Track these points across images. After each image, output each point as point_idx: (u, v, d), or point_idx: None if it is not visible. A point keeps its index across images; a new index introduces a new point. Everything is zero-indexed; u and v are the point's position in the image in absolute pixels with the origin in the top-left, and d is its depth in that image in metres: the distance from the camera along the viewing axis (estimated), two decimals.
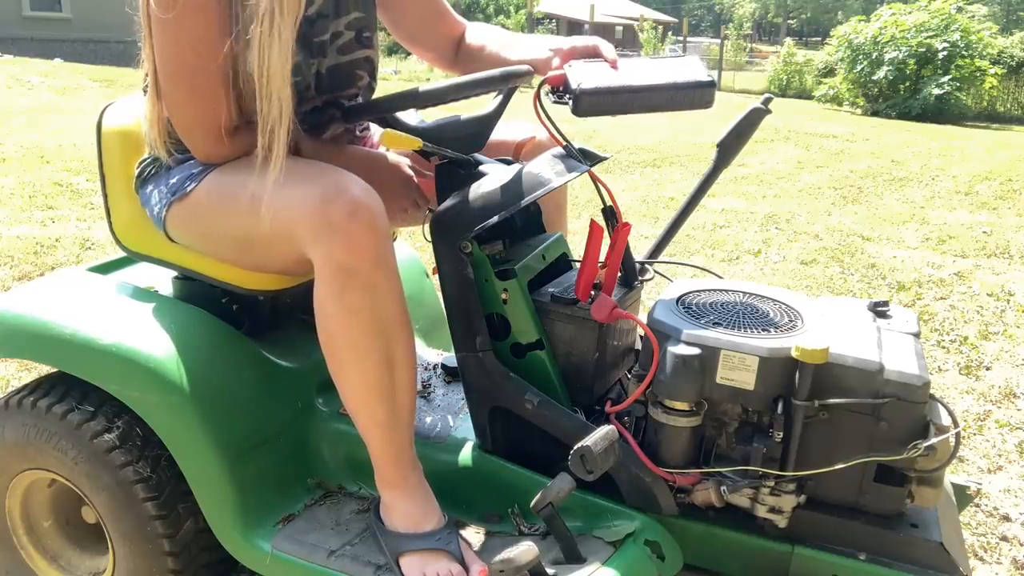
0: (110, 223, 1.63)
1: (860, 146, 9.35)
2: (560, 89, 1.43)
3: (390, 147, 1.37)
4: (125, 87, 10.25)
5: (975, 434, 2.53)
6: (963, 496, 1.57)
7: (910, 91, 14.44)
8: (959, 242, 4.93)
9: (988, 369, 3.04)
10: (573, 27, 35.92)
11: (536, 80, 1.50)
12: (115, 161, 1.59)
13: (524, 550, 1.19)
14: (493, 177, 1.40)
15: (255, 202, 1.33)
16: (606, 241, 1.42)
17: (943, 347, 3.23)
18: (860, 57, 14.92)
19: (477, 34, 1.72)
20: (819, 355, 1.20)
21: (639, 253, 1.68)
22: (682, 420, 1.29)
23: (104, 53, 15.56)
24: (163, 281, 1.71)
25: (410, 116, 1.48)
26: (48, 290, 1.59)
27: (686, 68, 1.45)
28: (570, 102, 1.40)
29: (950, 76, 13.98)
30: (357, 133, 1.67)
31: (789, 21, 62.18)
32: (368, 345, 1.31)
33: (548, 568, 1.25)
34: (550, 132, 1.47)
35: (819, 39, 42.09)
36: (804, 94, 18.31)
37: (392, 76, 17.01)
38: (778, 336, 1.29)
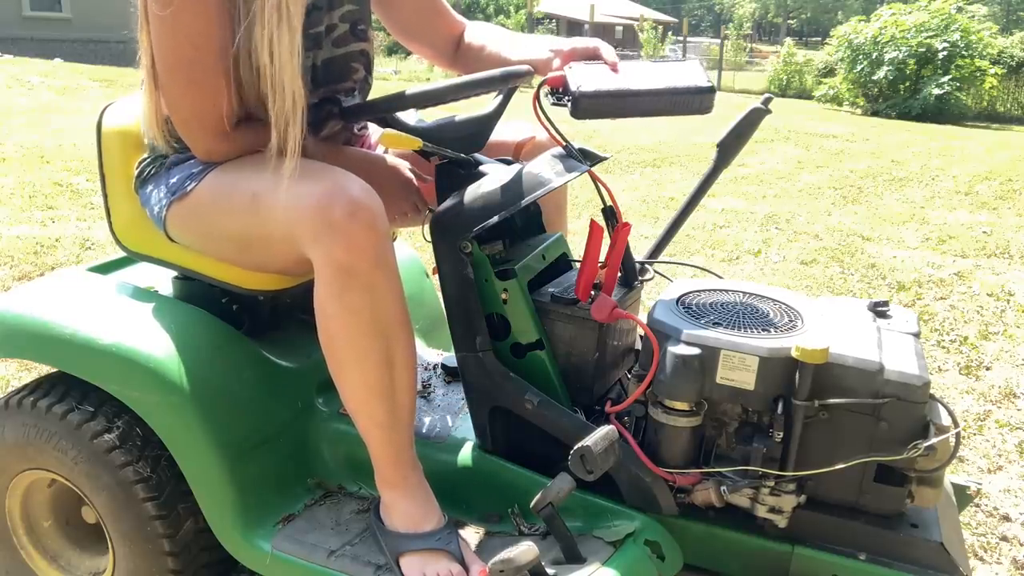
0: (110, 223, 1.63)
1: (860, 146, 9.35)
2: (559, 91, 1.43)
3: (390, 147, 1.37)
4: (125, 87, 10.25)
5: (975, 434, 2.53)
6: (963, 496, 1.57)
7: (910, 91, 14.44)
8: (959, 242, 4.93)
9: (988, 369, 3.04)
10: (573, 27, 35.93)
11: (536, 80, 1.50)
12: (115, 161, 1.59)
13: (524, 550, 1.19)
14: (493, 177, 1.40)
15: (255, 202, 1.33)
16: (606, 241, 1.42)
17: (943, 347, 3.23)
18: (860, 57, 14.92)
19: (477, 33, 1.71)
20: (819, 355, 1.20)
21: (639, 253, 1.68)
22: (682, 420, 1.29)
23: (104, 53, 15.56)
24: (163, 281, 1.71)
25: (410, 116, 1.48)
26: (48, 290, 1.59)
27: (686, 73, 1.45)
28: (569, 104, 1.40)
29: (950, 76, 13.98)
30: (355, 131, 1.67)
31: (789, 21, 62.19)
32: (368, 345, 1.31)
33: (548, 568, 1.25)
34: (550, 132, 1.47)
35: (819, 39, 42.10)
36: (804, 94, 18.31)
37: (392, 76, 17.01)
38: (778, 336, 1.29)
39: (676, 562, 1.33)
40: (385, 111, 1.40)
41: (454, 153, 1.44)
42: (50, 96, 9.32)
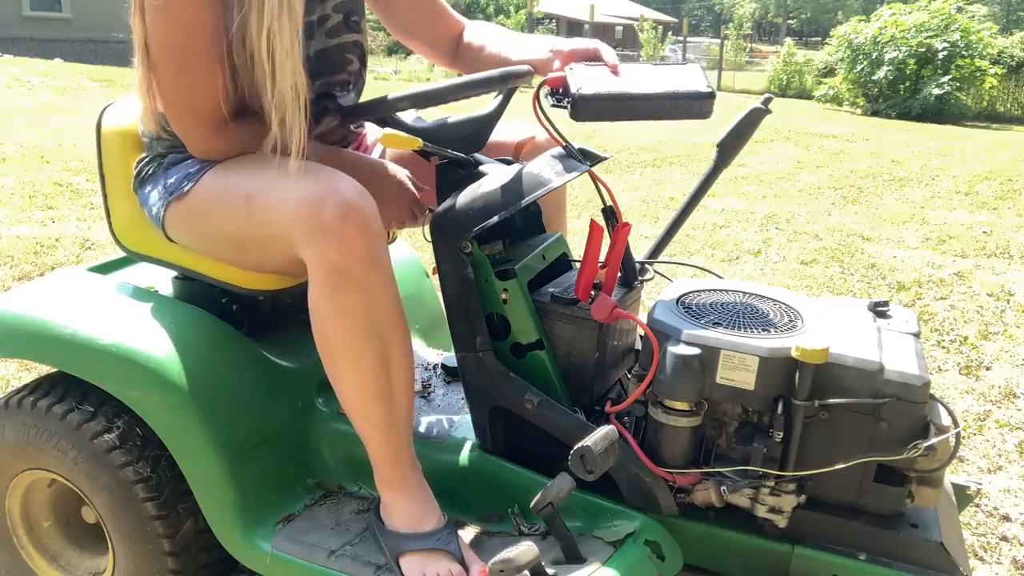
0: (110, 223, 1.63)
1: (860, 146, 9.35)
2: (559, 92, 1.43)
3: (390, 147, 1.37)
4: (125, 87, 10.25)
5: (975, 434, 2.53)
6: (963, 496, 1.57)
7: (910, 91, 14.44)
8: (959, 242, 4.93)
9: (988, 369, 3.04)
10: (573, 27, 35.93)
11: (536, 81, 1.50)
12: (115, 161, 1.59)
13: (524, 550, 1.19)
14: (493, 177, 1.40)
15: (250, 203, 1.33)
16: (606, 241, 1.42)
17: (943, 347, 3.23)
18: (860, 57, 14.92)
19: (477, 33, 1.71)
20: (819, 355, 1.20)
21: (639, 253, 1.68)
22: (682, 420, 1.29)
23: (104, 53, 15.57)
24: (163, 281, 1.71)
25: (409, 116, 1.48)
26: (48, 290, 1.59)
27: (687, 77, 1.45)
28: (569, 106, 1.40)
29: (950, 76, 13.98)
30: (352, 129, 1.66)
31: (789, 21, 62.19)
32: (363, 346, 1.31)
33: (548, 568, 1.25)
34: (549, 133, 1.47)
35: (819, 39, 42.09)
36: (804, 94, 18.31)
37: (392, 76, 17.01)
38: (778, 336, 1.29)
39: (676, 562, 1.33)
40: (385, 111, 1.40)
41: (454, 153, 1.44)
42: (50, 96, 9.32)
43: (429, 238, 1.41)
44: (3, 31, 16.24)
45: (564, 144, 1.48)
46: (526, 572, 1.19)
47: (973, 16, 15.67)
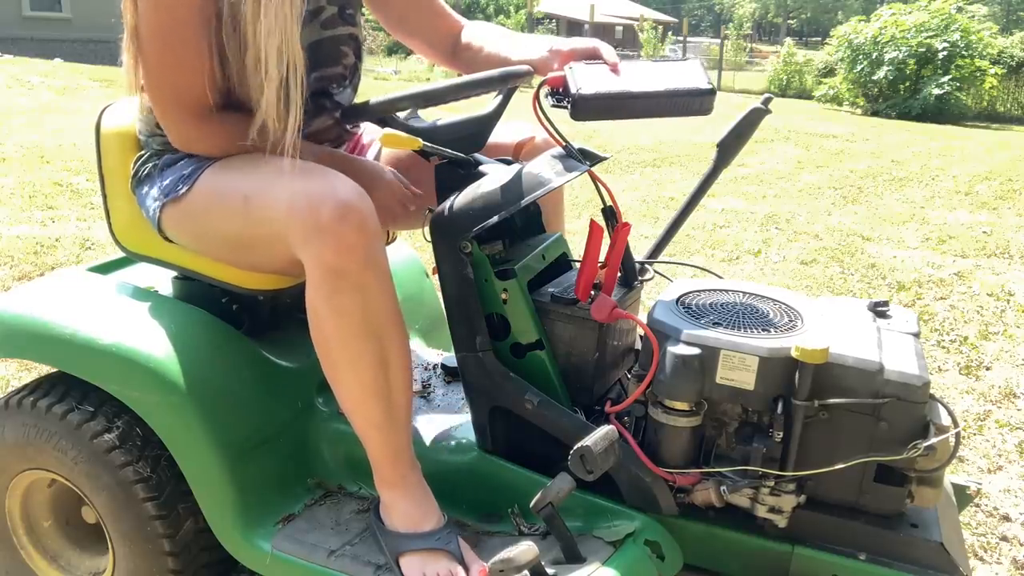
0: (109, 224, 1.63)
1: (860, 146, 9.35)
2: (559, 92, 1.43)
3: (390, 147, 1.37)
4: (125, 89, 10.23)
5: (975, 434, 2.53)
6: (963, 496, 1.57)
7: (910, 91, 14.44)
8: (959, 242, 4.93)
9: (988, 369, 3.04)
10: (573, 27, 35.93)
11: (536, 80, 1.50)
12: (114, 162, 1.59)
13: (524, 550, 1.19)
14: (493, 177, 1.40)
15: (247, 204, 1.33)
16: (606, 241, 1.42)
17: (943, 347, 3.23)
18: (860, 57, 14.92)
19: (476, 33, 1.71)
20: (819, 355, 1.20)
21: (639, 253, 1.68)
22: (682, 420, 1.29)
23: (104, 53, 15.55)
24: (163, 281, 1.71)
25: (409, 116, 1.48)
26: (48, 290, 1.59)
27: (687, 74, 1.45)
28: (569, 106, 1.40)
29: (950, 76, 13.98)
30: (347, 128, 1.66)
31: (789, 21, 62.19)
32: (361, 347, 1.31)
33: (548, 568, 1.25)
34: (549, 133, 1.47)
35: (819, 39, 42.08)
36: (804, 94, 18.31)
37: (392, 76, 17.01)
38: (778, 336, 1.29)
39: (676, 562, 1.33)
40: (385, 111, 1.40)
41: (454, 153, 1.44)
42: (50, 96, 9.32)
43: (429, 238, 1.41)
44: (3, 31, 16.24)
45: (564, 144, 1.48)
46: (526, 572, 1.19)
47: (973, 16, 15.67)
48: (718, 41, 24.92)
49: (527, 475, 1.41)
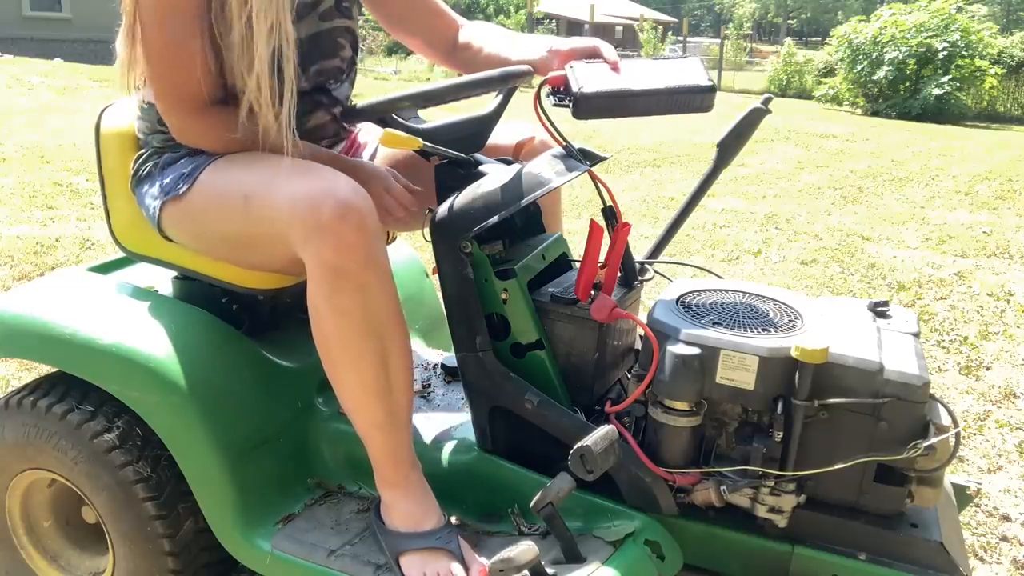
0: (109, 224, 1.63)
1: (860, 146, 9.35)
2: (560, 91, 1.43)
3: (390, 147, 1.37)
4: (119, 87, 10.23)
5: (975, 434, 2.53)
6: (963, 496, 1.57)
7: (910, 91, 14.43)
8: (959, 242, 4.93)
9: (988, 369, 3.04)
10: (573, 27, 35.93)
11: (536, 80, 1.50)
12: (114, 162, 1.59)
13: (524, 550, 1.19)
14: (493, 177, 1.40)
15: (247, 203, 1.33)
16: (606, 241, 1.42)
17: (943, 347, 3.23)
18: (860, 57, 14.91)
19: (475, 33, 1.71)
20: (819, 355, 1.20)
21: (639, 253, 1.68)
22: (682, 420, 1.29)
23: (104, 53, 15.48)
24: (163, 281, 1.71)
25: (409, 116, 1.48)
26: (48, 290, 1.59)
27: (687, 71, 1.45)
28: (570, 105, 1.40)
29: (950, 76, 13.98)
30: (344, 126, 1.66)
31: (789, 21, 62.19)
32: (362, 346, 1.31)
33: (548, 568, 1.25)
34: (550, 132, 1.47)
35: (819, 39, 42.08)
36: (804, 94, 18.30)
37: (392, 76, 17.01)
38: (778, 336, 1.29)
39: (676, 562, 1.33)
40: (385, 111, 1.40)
41: (454, 153, 1.44)
42: (50, 96, 9.32)
43: (429, 238, 1.41)
44: (3, 31, 16.23)
45: (564, 144, 1.48)
46: (526, 571, 1.19)
47: (973, 16, 15.67)
48: (718, 41, 24.92)
49: (527, 475, 1.41)
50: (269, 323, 1.66)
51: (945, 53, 14.14)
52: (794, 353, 1.21)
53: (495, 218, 1.35)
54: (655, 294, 3.01)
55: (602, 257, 1.44)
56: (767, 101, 1.64)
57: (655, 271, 1.68)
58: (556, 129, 1.45)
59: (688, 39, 26.83)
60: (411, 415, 1.41)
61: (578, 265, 1.42)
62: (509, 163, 1.50)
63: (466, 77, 1.40)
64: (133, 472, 1.44)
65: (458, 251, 1.37)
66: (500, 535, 1.41)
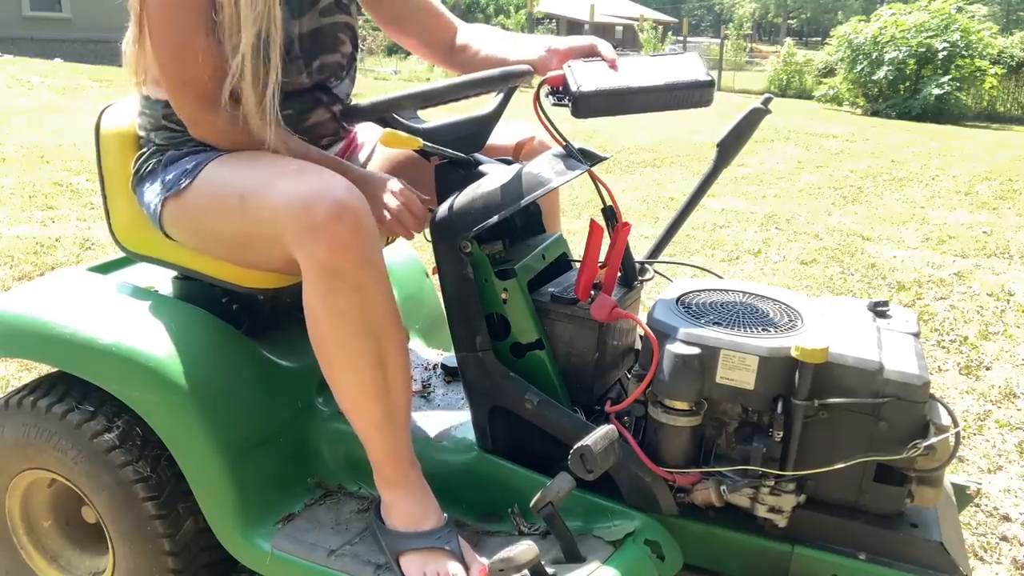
0: (109, 224, 1.63)
1: (860, 146, 9.35)
2: (560, 90, 1.43)
3: (390, 147, 1.37)
4: (125, 87, 10.23)
5: (975, 434, 2.53)
6: (963, 496, 1.57)
7: (910, 91, 14.43)
8: (959, 242, 4.93)
9: (988, 369, 3.04)
10: (573, 27, 35.92)
11: (536, 80, 1.50)
12: (114, 162, 1.59)
13: (524, 549, 1.19)
14: (493, 177, 1.40)
15: (243, 203, 1.33)
16: (606, 241, 1.42)
17: (943, 347, 3.23)
18: (860, 57, 14.91)
19: (473, 35, 1.71)
20: (819, 355, 1.20)
21: (639, 253, 1.68)
22: (682, 420, 1.29)
23: (104, 53, 15.53)
24: (163, 281, 1.71)
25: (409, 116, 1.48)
26: (48, 290, 1.59)
27: (685, 66, 1.45)
28: (570, 104, 1.40)
29: (950, 76, 13.97)
30: (343, 125, 1.66)
31: (789, 21, 62.18)
32: (358, 346, 1.31)
33: (548, 567, 1.25)
34: (550, 132, 1.47)
35: (819, 39, 42.07)
36: (804, 94, 18.30)
37: (392, 76, 17.00)
38: (778, 336, 1.29)
39: (676, 562, 1.33)
40: (385, 111, 1.40)
41: (454, 153, 1.44)
42: (50, 96, 9.32)
43: (429, 238, 1.41)
44: (3, 31, 16.23)
45: (564, 144, 1.48)
46: (526, 571, 1.19)
47: (973, 16, 15.66)
48: (718, 41, 24.91)
49: (527, 475, 1.41)
50: (269, 323, 1.66)
51: (945, 53, 14.13)
52: (794, 353, 1.21)
53: (495, 218, 1.35)
54: (655, 294, 3.01)
55: (602, 257, 1.44)
56: (767, 101, 1.64)
57: (655, 271, 1.68)
58: (556, 129, 1.45)
59: (688, 39, 26.83)
60: (409, 415, 1.41)
61: (578, 265, 1.42)
62: (509, 163, 1.50)
63: (466, 77, 1.40)
64: (133, 472, 1.44)
65: (458, 251, 1.37)
66: (500, 535, 1.41)
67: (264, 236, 1.32)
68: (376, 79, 15.43)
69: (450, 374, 1.77)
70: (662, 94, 1.42)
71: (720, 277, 1.63)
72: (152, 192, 1.47)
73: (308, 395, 1.60)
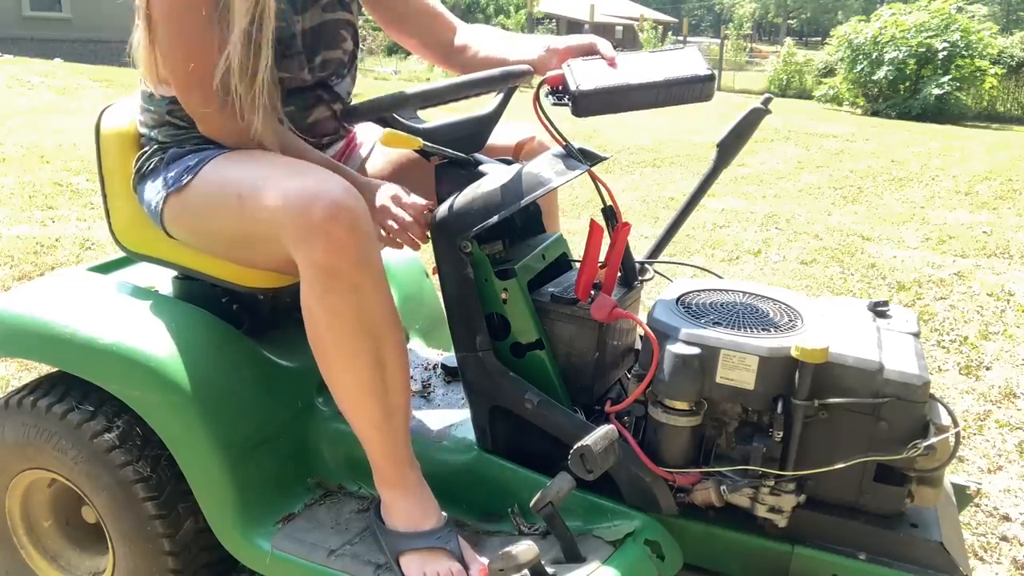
0: (109, 224, 1.63)
1: (860, 146, 9.35)
2: (559, 90, 1.43)
3: (390, 147, 1.37)
4: (125, 87, 10.24)
5: (975, 434, 2.53)
6: (963, 496, 1.57)
7: (910, 91, 14.43)
8: (959, 242, 4.93)
9: (988, 369, 3.04)
10: (573, 27, 35.91)
11: (535, 80, 1.50)
12: (114, 162, 1.59)
13: (524, 549, 1.19)
14: (493, 177, 1.40)
15: (241, 202, 1.33)
16: (606, 241, 1.42)
17: (943, 347, 3.23)
18: (860, 57, 14.91)
19: (473, 35, 1.72)
20: (819, 355, 1.20)
21: (639, 253, 1.68)
22: (682, 420, 1.29)
23: (104, 53, 15.55)
24: (163, 281, 1.71)
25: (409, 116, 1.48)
26: (48, 290, 1.59)
27: (685, 61, 1.45)
28: (570, 103, 1.40)
29: (950, 76, 13.98)
30: (343, 124, 1.66)
31: (789, 21, 62.18)
32: (356, 346, 1.31)
33: (548, 567, 1.25)
34: (550, 132, 1.47)
35: (819, 39, 42.07)
36: (804, 94, 18.30)
37: (392, 76, 17.00)
38: (778, 336, 1.29)
39: (676, 562, 1.33)
40: (385, 111, 1.40)
41: (454, 153, 1.44)
42: (50, 96, 9.32)
43: (429, 238, 1.40)
44: (3, 31, 16.23)
45: (564, 144, 1.48)
46: (526, 571, 1.19)
47: (973, 16, 15.66)
48: (718, 41, 24.90)
49: (527, 475, 1.41)
50: (269, 323, 1.66)
51: (945, 53, 14.13)
52: (794, 353, 1.21)
53: (495, 218, 1.35)
54: (655, 294, 3.01)
55: (602, 257, 1.44)
56: (767, 101, 1.64)
57: (655, 271, 1.68)
58: (556, 129, 1.45)
59: (688, 39, 26.83)
60: (409, 415, 1.41)
61: (578, 265, 1.42)
62: (509, 163, 1.50)
63: (466, 76, 1.40)
64: (133, 472, 1.44)
65: (458, 251, 1.37)
66: (500, 535, 1.41)
67: (262, 235, 1.32)
68: (376, 79, 15.43)
69: (450, 374, 1.77)
70: (662, 90, 1.41)
71: (720, 277, 1.63)
72: (153, 190, 1.47)
73: (308, 395, 1.60)
